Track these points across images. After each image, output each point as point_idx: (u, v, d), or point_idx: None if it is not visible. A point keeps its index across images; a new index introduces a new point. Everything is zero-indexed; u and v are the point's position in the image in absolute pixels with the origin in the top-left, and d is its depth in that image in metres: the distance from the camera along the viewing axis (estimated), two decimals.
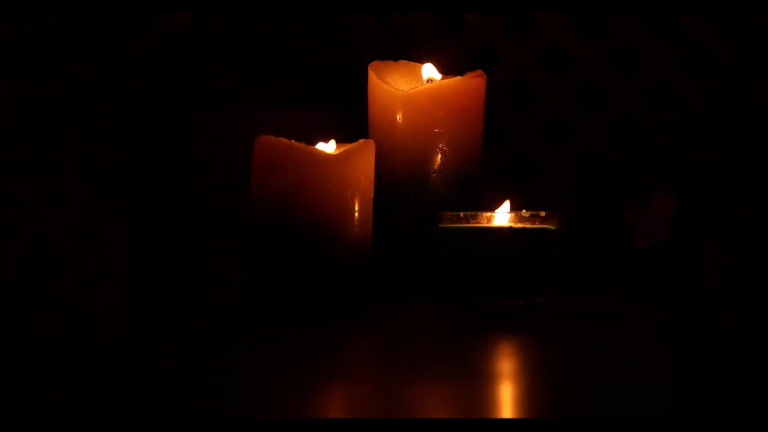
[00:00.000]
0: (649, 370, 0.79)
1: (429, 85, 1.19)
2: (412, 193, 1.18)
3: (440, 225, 1.09)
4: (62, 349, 0.90)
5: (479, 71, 1.19)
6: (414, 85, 1.20)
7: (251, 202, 1.07)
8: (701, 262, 1.21)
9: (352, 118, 1.35)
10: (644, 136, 1.59)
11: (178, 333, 1.00)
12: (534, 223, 1.06)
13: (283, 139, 1.06)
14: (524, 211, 1.06)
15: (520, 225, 1.06)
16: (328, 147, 1.09)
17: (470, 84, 1.18)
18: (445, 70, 1.21)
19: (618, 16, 1.58)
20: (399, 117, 1.17)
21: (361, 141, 1.08)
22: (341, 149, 1.07)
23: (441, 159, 1.17)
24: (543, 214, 1.06)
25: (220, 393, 0.70)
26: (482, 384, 0.74)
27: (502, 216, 1.06)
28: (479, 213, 1.07)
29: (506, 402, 0.69)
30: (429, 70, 1.20)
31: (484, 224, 1.06)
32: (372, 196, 1.08)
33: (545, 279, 1.07)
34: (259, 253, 1.06)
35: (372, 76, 1.19)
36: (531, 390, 0.72)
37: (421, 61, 1.24)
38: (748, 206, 1.55)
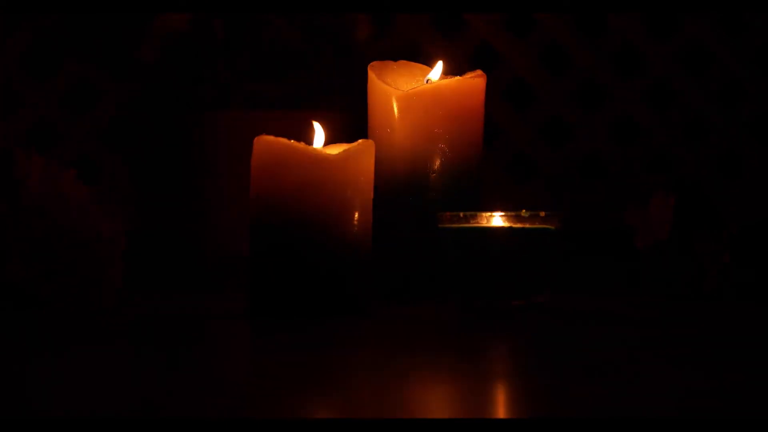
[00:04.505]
0: (649, 370, 0.79)
1: (429, 85, 1.19)
2: (412, 193, 1.17)
3: (440, 225, 1.09)
4: (62, 348, 0.90)
5: (479, 71, 1.19)
6: (414, 85, 1.20)
7: (251, 202, 1.07)
8: (701, 262, 1.21)
9: (352, 118, 1.35)
10: (644, 136, 1.59)
11: (177, 333, 1.00)
12: (534, 223, 1.06)
13: (283, 140, 1.06)
14: (524, 211, 1.06)
15: (520, 225, 1.06)
16: (319, 138, 1.09)
17: (470, 84, 1.18)
18: (445, 70, 1.21)
19: (618, 16, 1.58)
20: (399, 117, 1.17)
21: (360, 141, 1.08)
22: (341, 149, 1.07)
23: (441, 159, 1.17)
24: (543, 214, 1.06)
25: (220, 392, 0.70)
26: (482, 384, 0.74)
27: (503, 218, 1.06)
28: (479, 213, 1.07)
29: (506, 402, 0.69)
30: (437, 70, 1.20)
31: (484, 224, 1.06)
32: (372, 196, 1.08)
33: (545, 279, 1.07)
34: (258, 252, 1.06)
35: (372, 76, 1.19)
36: (530, 390, 0.72)
37: (421, 61, 1.24)
38: (748, 206, 1.55)
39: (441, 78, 1.20)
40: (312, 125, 1.10)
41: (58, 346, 0.91)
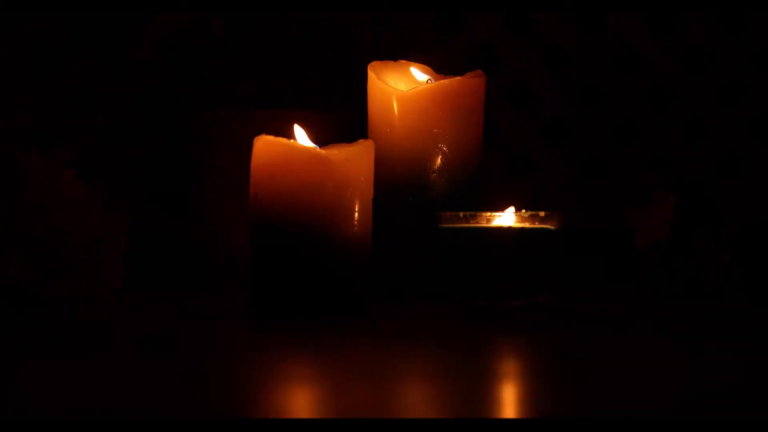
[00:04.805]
0: (649, 369, 0.79)
1: (429, 85, 1.19)
2: (412, 193, 1.18)
3: (440, 225, 1.09)
4: (62, 349, 0.90)
5: (479, 71, 1.19)
6: (414, 85, 1.20)
7: (250, 202, 1.07)
8: (701, 262, 1.21)
9: (352, 118, 1.35)
10: (644, 136, 1.58)
11: (177, 333, 1.00)
12: (534, 223, 1.06)
13: (283, 139, 1.06)
14: (524, 211, 1.06)
15: (519, 225, 1.06)
16: (301, 135, 1.09)
17: (470, 84, 1.18)
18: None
19: (618, 16, 1.58)
20: (399, 117, 1.17)
21: (360, 141, 1.08)
22: (341, 149, 1.07)
23: (441, 159, 1.17)
24: (543, 214, 1.06)
25: (219, 393, 0.70)
26: (482, 384, 0.74)
27: (505, 217, 1.06)
28: (479, 213, 1.07)
29: (506, 402, 0.69)
30: (417, 74, 1.20)
31: (484, 224, 1.06)
32: (372, 196, 1.08)
33: (545, 279, 1.07)
34: (258, 252, 1.06)
35: (372, 76, 1.19)
36: (531, 390, 0.72)
37: (421, 61, 1.24)
38: (748, 206, 1.55)
39: (438, 78, 1.20)
40: (293, 129, 1.09)
41: (58, 347, 0.91)
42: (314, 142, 1.09)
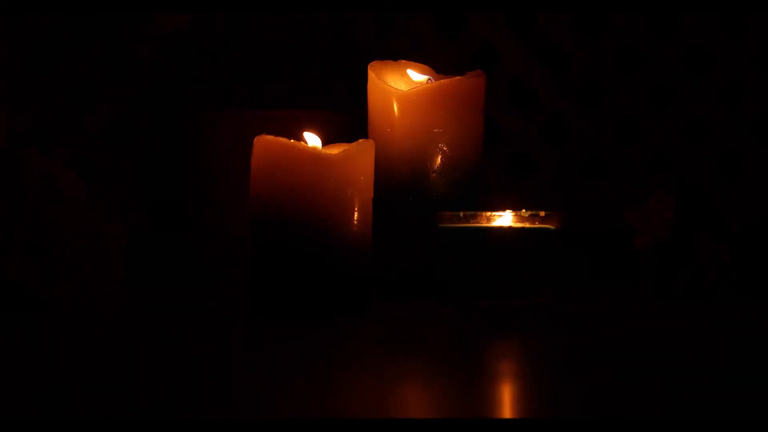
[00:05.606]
0: (649, 369, 0.79)
1: (429, 84, 1.19)
2: (412, 193, 1.18)
3: (440, 225, 1.09)
4: (62, 349, 0.90)
5: (479, 71, 1.19)
6: (414, 85, 1.20)
7: (251, 202, 1.07)
8: (701, 261, 1.21)
9: (352, 118, 1.35)
10: (644, 136, 1.59)
11: (177, 333, 1.00)
12: (534, 223, 1.06)
13: (283, 139, 1.06)
14: (524, 211, 1.06)
15: (520, 225, 1.06)
16: (313, 140, 1.09)
17: (470, 84, 1.18)
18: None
19: (618, 16, 1.58)
20: (399, 117, 1.17)
21: (360, 141, 1.08)
22: (341, 149, 1.07)
23: (441, 159, 1.17)
24: (543, 214, 1.06)
25: (220, 393, 0.70)
26: (482, 384, 0.74)
27: (504, 217, 1.06)
28: (479, 213, 1.07)
29: (506, 402, 0.69)
30: (414, 76, 1.20)
31: (484, 224, 1.06)
32: (372, 196, 1.08)
33: (545, 279, 1.07)
34: (258, 252, 1.06)
35: (372, 76, 1.19)
36: (531, 390, 0.72)
37: (422, 61, 1.24)
38: (748, 206, 1.55)
39: (438, 78, 1.20)
40: (303, 137, 1.09)
41: (58, 346, 0.91)
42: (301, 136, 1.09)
